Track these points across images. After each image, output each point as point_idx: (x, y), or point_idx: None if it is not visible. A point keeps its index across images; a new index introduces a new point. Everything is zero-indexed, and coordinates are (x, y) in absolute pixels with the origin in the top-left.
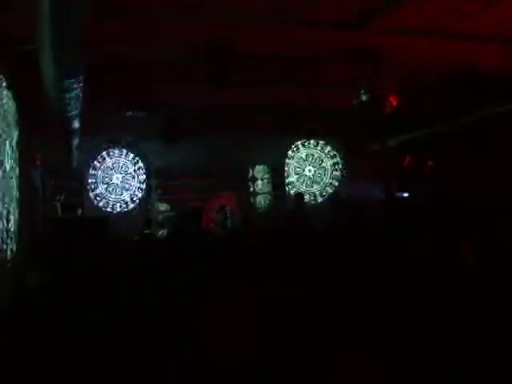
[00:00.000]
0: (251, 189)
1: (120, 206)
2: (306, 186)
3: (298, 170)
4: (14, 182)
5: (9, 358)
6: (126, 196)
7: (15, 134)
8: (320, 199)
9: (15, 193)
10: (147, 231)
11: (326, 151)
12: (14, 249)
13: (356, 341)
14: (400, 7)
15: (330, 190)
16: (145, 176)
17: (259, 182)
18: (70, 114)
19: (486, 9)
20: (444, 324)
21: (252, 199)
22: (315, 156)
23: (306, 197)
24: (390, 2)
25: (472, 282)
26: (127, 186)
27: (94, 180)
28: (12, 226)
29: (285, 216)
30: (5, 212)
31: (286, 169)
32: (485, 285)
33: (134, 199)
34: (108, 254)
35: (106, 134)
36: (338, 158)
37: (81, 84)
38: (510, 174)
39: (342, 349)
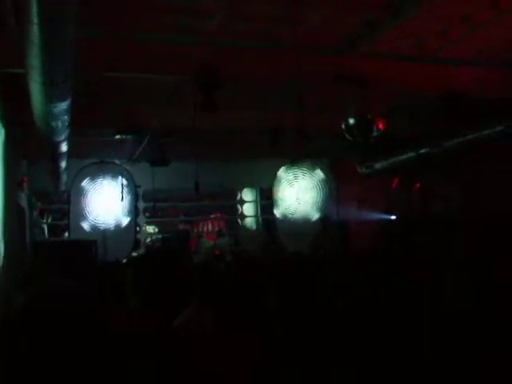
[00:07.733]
0: (239, 211)
1: (107, 229)
2: (294, 209)
3: (286, 192)
4: (0, 205)
5: None
6: (114, 219)
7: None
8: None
9: (1, 215)
10: (135, 254)
11: (313, 174)
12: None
13: None
14: (386, 33)
15: (318, 213)
16: (132, 199)
17: (247, 204)
18: (58, 138)
19: (470, 34)
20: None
21: (240, 222)
22: (303, 179)
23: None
24: (375, 28)
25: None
26: (115, 209)
27: (81, 203)
28: None
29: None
30: None
31: (274, 191)
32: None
33: (122, 222)
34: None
35: (93, 157)
36: (326, 181)
37: (69, 108)
38: (498, 194)
39: None
